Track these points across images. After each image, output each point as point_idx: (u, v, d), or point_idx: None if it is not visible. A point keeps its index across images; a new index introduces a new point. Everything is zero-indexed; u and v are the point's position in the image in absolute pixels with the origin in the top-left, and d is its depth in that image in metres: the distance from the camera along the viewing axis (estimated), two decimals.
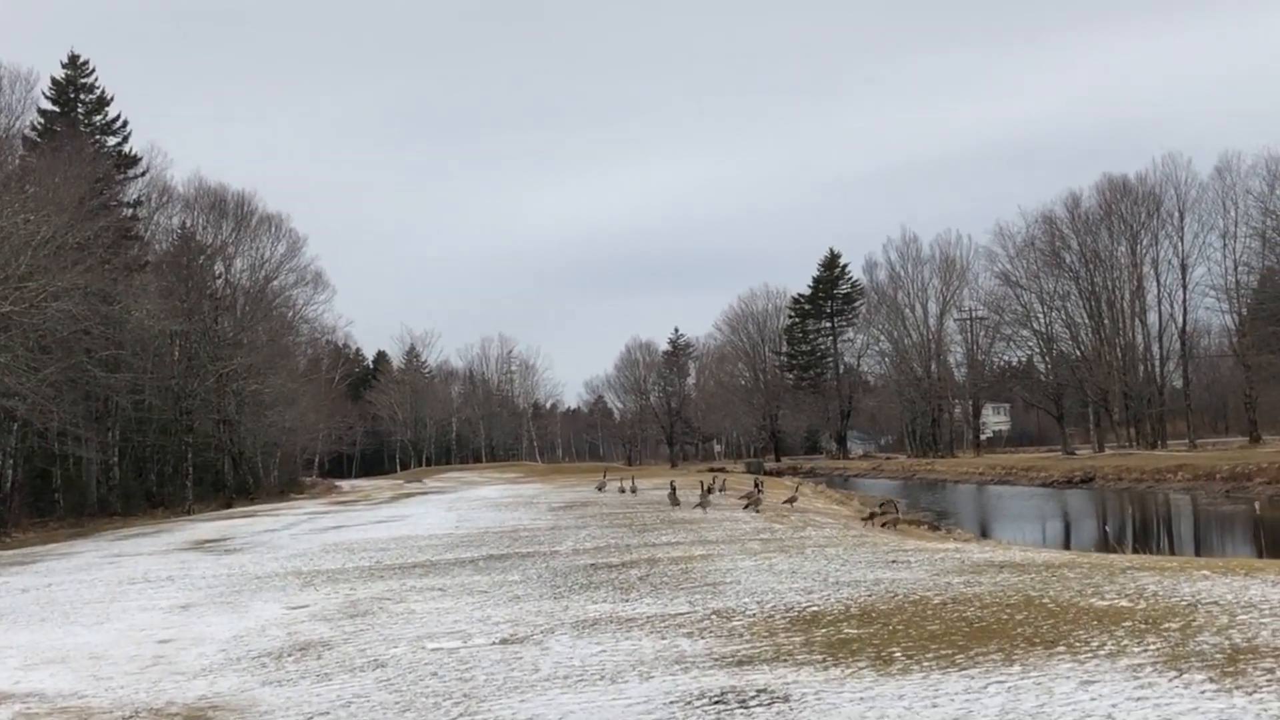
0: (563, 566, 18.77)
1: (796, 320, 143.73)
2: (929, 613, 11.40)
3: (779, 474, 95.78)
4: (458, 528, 31.38)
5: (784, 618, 11.79)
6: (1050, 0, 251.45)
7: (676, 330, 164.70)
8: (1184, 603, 10.88)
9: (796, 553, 18.64)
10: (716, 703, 8.21)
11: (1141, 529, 42.81)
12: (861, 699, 7.96)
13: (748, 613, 12.30)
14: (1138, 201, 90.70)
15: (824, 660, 9.49)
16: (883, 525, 31.92)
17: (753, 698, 8.26)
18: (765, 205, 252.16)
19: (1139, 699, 7.32)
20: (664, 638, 11.14)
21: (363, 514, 43.26)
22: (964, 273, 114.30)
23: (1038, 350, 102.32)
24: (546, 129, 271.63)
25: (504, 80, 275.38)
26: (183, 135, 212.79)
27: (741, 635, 10.95)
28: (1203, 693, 7.36)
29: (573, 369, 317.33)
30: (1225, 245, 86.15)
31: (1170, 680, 7.75)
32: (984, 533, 41.68)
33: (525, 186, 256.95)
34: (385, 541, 27.24)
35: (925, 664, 9.00)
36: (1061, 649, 9.12)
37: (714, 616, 12.22)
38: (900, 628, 10.66)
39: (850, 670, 9.01)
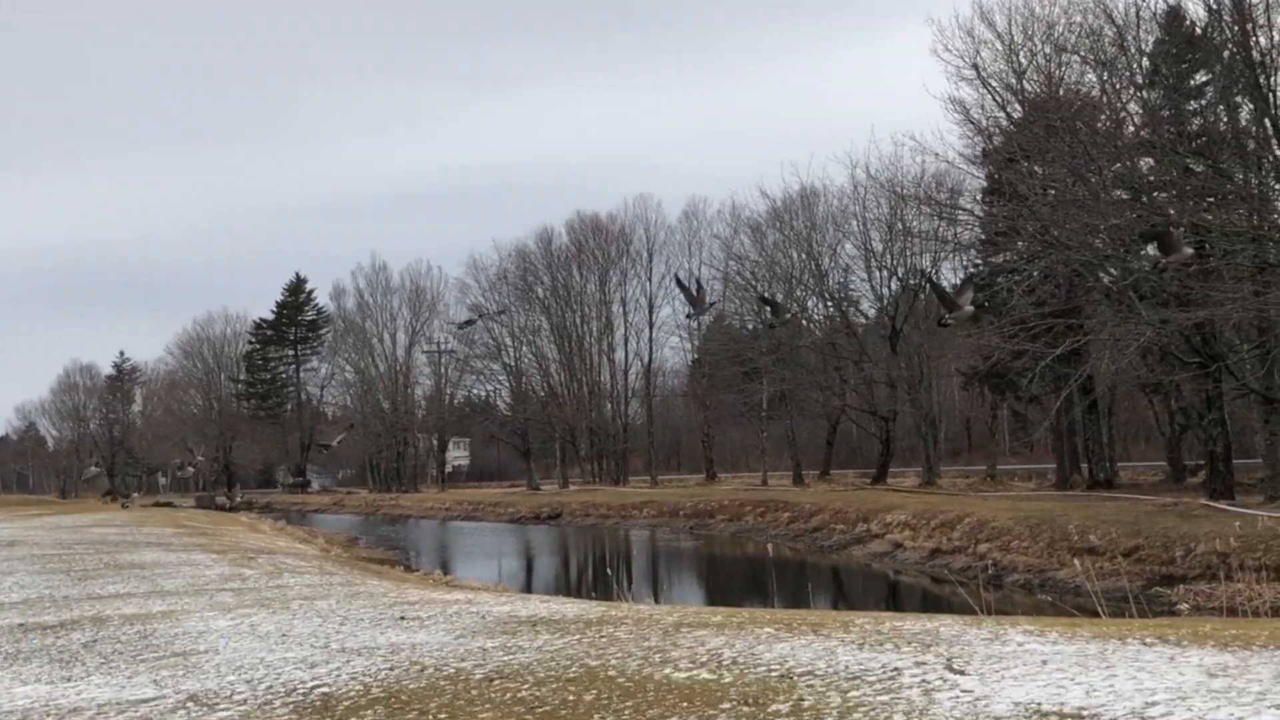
0: None
1: (257, 347, 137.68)
2: (474, 694, 9.09)
3: (234, 509, 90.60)
4: None
5: (286, 704, 9.11)
6: (528, 52, 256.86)
7: (122, 354, 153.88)
8: (775, 674, 9.17)
9: (281, 608, 15.79)
10: None
11: (625, 567, 42.49)
12: None
13: (236, 697, 9.51)
14: (608, 240, 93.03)
15: None
16: None
17: None
18: (227, 229, 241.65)
19: None
20: None
21: None
22: (435, 304, 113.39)
23: (508, 384, 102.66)
24: None
25: None
26: None
27: None
28: None
29: (2, 392, 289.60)
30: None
31: None
32: (445, 568, 40.00)
33: None
34: None
35: None
36: None
37: (191, 704, 9.34)
38: (444, 717, 8.29)
39: None
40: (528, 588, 34.35)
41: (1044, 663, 9.13)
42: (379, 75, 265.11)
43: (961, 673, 8.88)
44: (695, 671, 9.43)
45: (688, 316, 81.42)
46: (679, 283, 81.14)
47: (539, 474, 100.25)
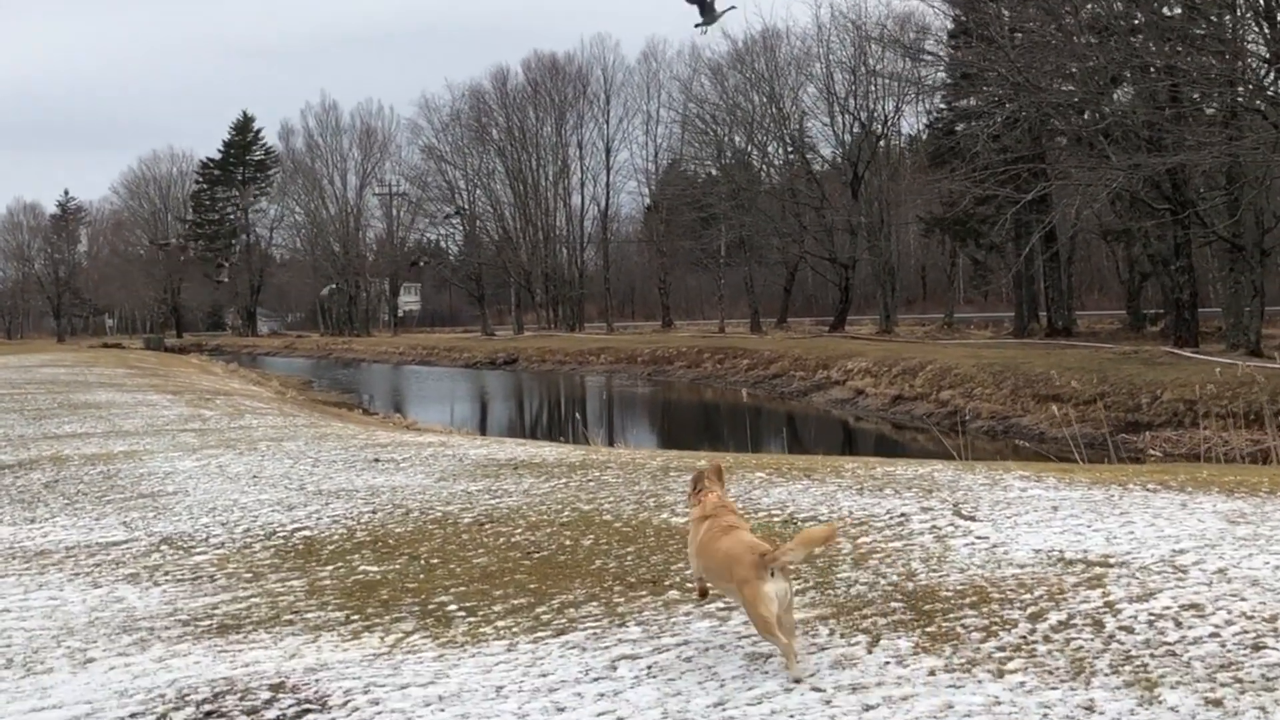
0: None
1: (205, 187, 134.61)
2: (465, 538, 8.72)
3: (183, 351, 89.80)
4: None
5: (267, 548, 8.71)
6: None
7: (67, 193, 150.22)
8: (778, 519, 8.85)
9: (248, 448, 15.35)
10: (211, 717, 5.14)
11: (588, 413, 42.19)
12: (440, 699, 5.17)
13: (213, 540, 9.10)
14: (565, 81, 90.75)
15: (349, 620, 6.60)
16: None
17: (266, 705, 5.24)
18: (172, 68, 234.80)
19: (857, 686, 5.03)
20: (98, 584, 7.78)
21: None
22: (386, 145, 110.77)
23: (462, 228, 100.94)
24: None
25: None
26: None
27: (213, 578, 7.79)
28: (931, 674, 5.17)
29: None
30: (649, 130, 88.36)
31: (874, 652, 5.52)
32: (405, 412, 39.66)
33: None
34: None
35: (500, 626, 6.33)
36: (676, 594, 6.75)
37: (166, 547, 8.92)
38: (437, 562, 7.92)
39: (395, 640, 6.19)
40: (491, 432, 34.07)
41: (1054, 509, 8.85)
42: None
43: (972, 519, 8.58)
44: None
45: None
46: None
47: (492, 320, 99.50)
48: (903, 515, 8.75)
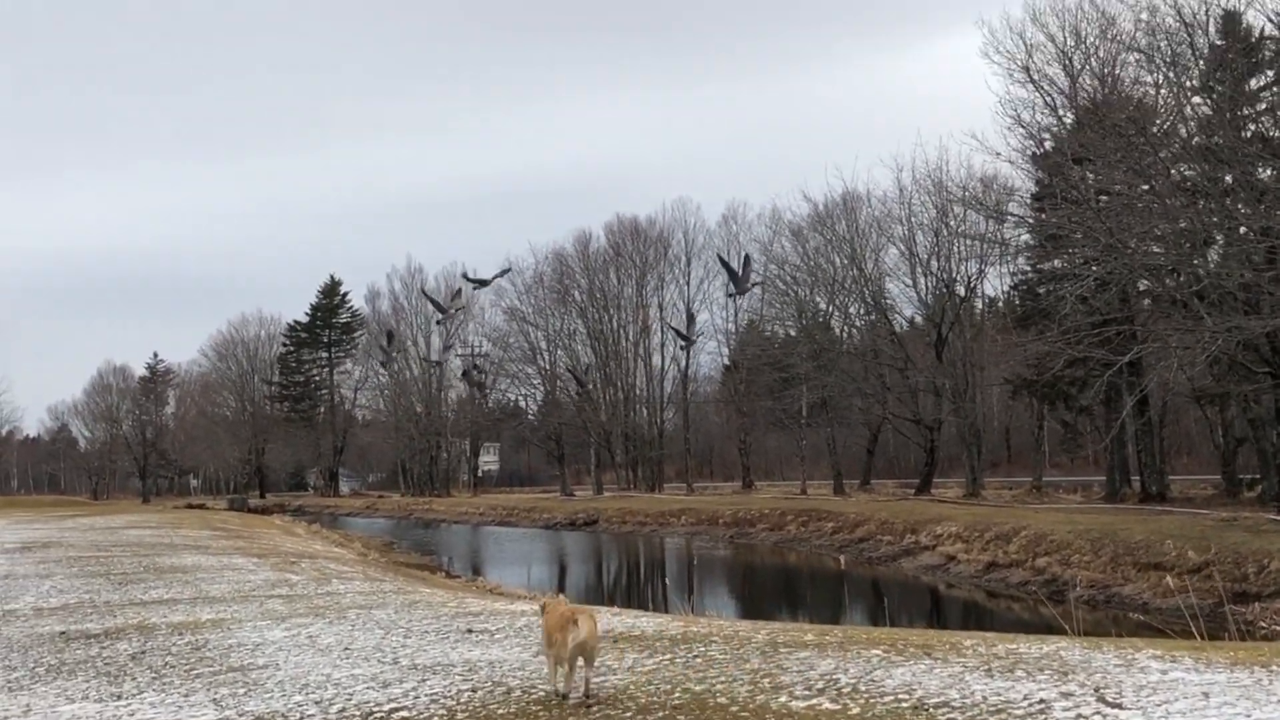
0: (20, 636, 14.16)
1: (291, 349, 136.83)
2: None
3: (266, 511, 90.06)
4: None
5: None
6: (562, 60, 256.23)
7: (156, 355, 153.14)
8: (906, 705, 8.24)
9: (336, 617, 14.92)
10: None
11: (675, 577, 41.46)
12: None
13: None
14: (647, 243, 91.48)
15: None
16: None
17: None
18: (260, 234, 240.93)
19: None
20: None
21: None
22: (470, 307, 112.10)
23: (542, 389, 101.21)
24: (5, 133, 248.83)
25: None
26: None
27: None
28: None
29: (35, 393, 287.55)
30: (729, 290, 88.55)
31: None
32: (487, 575, 39.15)
33: None
34: None
35: None
36: None
37: None
38: None
39: None
40: (572, 595, 33.37)
41: (1205, 695, 8.20)
42: (408, 84, 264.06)
43: (1118, 706, 7.94)
44: (815, 700, 8.51)
45: (729, 295, 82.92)
46: (721, 260, 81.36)
47: (570, 480, 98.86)
48: (1042, 701, 8.13)
